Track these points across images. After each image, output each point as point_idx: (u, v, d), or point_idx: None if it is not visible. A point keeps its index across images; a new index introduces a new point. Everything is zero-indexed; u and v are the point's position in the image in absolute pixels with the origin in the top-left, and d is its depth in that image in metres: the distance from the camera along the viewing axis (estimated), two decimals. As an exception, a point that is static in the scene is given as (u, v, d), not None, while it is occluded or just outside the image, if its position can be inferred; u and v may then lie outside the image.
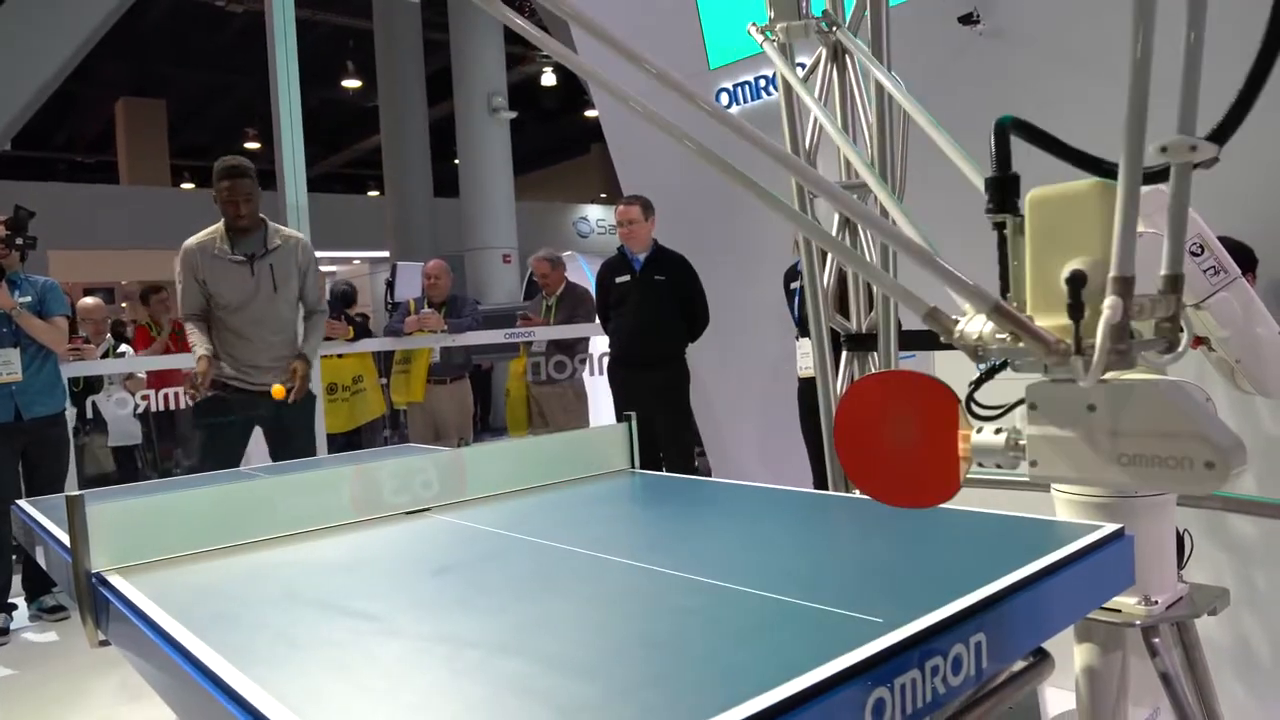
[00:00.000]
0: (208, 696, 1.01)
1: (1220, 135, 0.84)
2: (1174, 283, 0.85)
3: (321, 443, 4.60)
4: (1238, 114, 0.84)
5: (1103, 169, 0.94)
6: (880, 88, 2.23)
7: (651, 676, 0.96)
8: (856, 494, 1.85)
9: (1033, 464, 0.90)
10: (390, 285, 7.13)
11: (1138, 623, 1.57)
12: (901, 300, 0.93)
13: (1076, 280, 0.81)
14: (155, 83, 16.34)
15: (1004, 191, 0.92)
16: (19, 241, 3.76)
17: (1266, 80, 0.83)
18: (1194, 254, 1.69)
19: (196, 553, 1.64)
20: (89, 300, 5.82)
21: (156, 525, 1.61)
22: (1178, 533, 1.71)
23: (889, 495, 1.04)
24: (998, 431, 0.93)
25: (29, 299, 3.74)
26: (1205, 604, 1.65)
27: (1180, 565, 1.72)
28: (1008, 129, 0.93)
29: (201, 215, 3.82)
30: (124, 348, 6.05)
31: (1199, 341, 1.77)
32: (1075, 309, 0.81)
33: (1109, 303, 0.78)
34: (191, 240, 3.63)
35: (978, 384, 0.94)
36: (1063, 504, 1.65)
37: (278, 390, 3.40)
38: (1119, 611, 1.59)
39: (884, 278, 1.24)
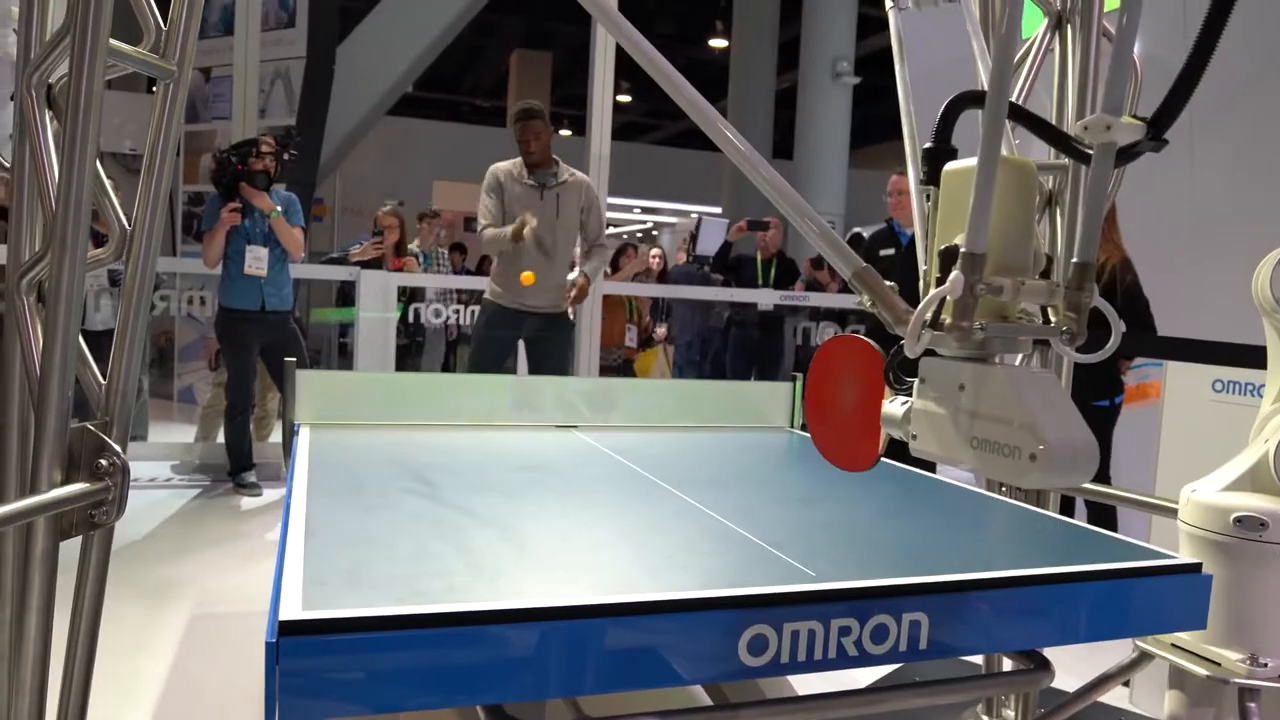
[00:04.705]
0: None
1: (1159, 123, 0.78)
2: (1082, 271, 0.81)
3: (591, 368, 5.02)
4: (1176, 102, 0.78)
5: (1070, 146, 0.90)
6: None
7: (613, 560, 1.16)
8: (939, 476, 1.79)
9: (913, 437, 0.90)
10: (694, 237, 7.46)
11: (1234, 680, 1.39)
12: (832, 257, 0.96)
13: (947, 255, 0.80)
14: (545, 37, 18.10)
15: (935, 163, 0.89)
16: (284, 156, 4.47)
17: (1205, 68, 0.77)
18: None
19: (368, 423, 2.01)
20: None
21: (344, 396, 2.00)
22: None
23: (831, 455, 1.07)
24: (903, 403, 0.93)
25: (280, 208, 4.40)
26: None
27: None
28: (963, 103, 0.91)
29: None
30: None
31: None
32: (939, 281, 0.80)
33: (952, 277, 0.77)
34: (498, 165, 4.19)
35: (894, 354, 0.94)
36: (1184, 538, 1.49)
37: (527, 277, 3.78)
38: (1217, 665, 1.41)
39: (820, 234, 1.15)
